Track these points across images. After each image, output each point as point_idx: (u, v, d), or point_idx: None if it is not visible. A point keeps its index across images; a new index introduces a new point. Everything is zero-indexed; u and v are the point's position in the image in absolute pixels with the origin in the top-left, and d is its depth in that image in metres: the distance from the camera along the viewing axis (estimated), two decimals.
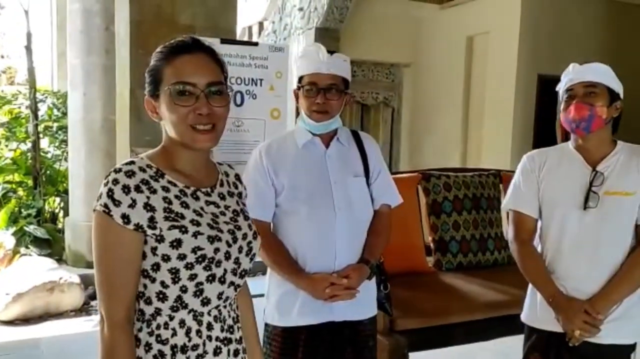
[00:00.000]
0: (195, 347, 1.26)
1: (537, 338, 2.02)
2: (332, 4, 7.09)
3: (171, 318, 1.24)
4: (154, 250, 1.21)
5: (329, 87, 1.96)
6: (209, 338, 1.28)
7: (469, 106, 7.14)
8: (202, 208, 1.28)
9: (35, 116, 6.37)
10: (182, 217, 1.23)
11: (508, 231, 2.11)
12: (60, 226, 6.22)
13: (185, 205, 1.25)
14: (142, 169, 1.24)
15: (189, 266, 1.21)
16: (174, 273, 1.21)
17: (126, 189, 1.19)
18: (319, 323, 1.98)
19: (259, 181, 1.99)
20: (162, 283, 1.22)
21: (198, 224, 1.24)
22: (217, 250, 1.25)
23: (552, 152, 2.06)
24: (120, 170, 1.22)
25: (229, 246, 1.28)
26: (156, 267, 1.21)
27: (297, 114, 2.12)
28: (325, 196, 1.97)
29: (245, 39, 10.46)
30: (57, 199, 6.53)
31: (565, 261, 1.94)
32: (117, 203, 1.18)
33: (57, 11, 9.92)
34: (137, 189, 1.20)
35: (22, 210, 6.14)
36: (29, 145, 6.47)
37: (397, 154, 8.14)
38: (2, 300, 4.42)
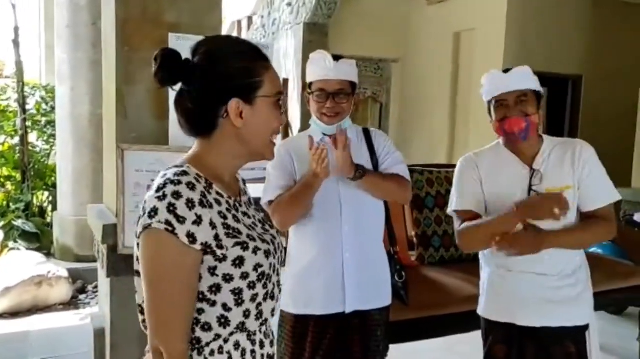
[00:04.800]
0: None
1: (499, 330, 2.04)
2: None
3: (226, 341, 1.13)
4: (212, 270, 1.09)
5: (338, 92, 2.09)
6: (262, 356, 1.20)
7: (456, 102, 7.19)
8: (248, 220, 1.20)
9: (23, 110, 6.36)
10: (239, 232, 1.13)
11: (455, 229, 2.10)
12: (48, 220, 6.22)
13: (236, 219, 1.15)
14: (197, 180, 1.10)
15: (251, 286, 1.12)
16: (237, 293, 1.10)
17: (190, 204, 1.05)
18: (330, 313, 2.06)
19: (287, 166, 2.10)
20: (225, 306, 1.10)
21: (253, 239, 1.14)
22: (271, 265, 1.17)
23: (487, 153, 2.12)
24: (179, 182, 1.07)
25: (274, 258, 1.19)
26: (216, 289, 1.09)
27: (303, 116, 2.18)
28: (332, 191, 2.07)
29: (235, 33, 10.47)
30: (46, 193, 6.53)
31: (514, 258, 1.92)
32: (181, 220, 1.04)
33: (45, 4, 9.88)
34: (201, 203, 1.07)
35: (11, 204, 6.14)
36: (17, 139, 6.46)
37: None
38: None
